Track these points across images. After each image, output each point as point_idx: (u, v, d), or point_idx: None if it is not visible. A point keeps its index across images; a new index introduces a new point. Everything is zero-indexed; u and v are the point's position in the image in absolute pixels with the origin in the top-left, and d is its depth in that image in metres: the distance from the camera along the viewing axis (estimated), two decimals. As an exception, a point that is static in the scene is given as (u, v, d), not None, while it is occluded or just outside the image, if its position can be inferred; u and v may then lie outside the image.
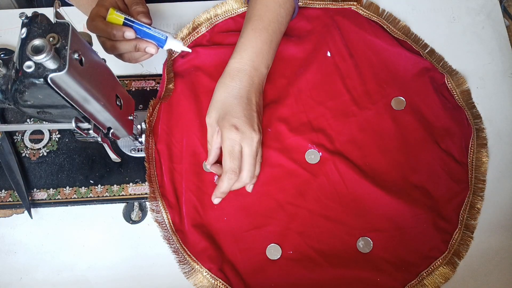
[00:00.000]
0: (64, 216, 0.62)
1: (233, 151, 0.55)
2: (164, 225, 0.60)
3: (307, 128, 0.64)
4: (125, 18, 0.54)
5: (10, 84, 0.40)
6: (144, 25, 0.56)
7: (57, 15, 0.39)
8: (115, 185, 0.63)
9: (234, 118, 0.55)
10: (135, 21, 0.55)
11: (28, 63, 0.36)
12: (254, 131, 0.55)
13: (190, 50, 0.63)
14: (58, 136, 0.65)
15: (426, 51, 0.69)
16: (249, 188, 0.60)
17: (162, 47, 0.58)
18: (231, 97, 0.57)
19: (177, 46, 0.59)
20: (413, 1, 0.74)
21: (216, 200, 0.59)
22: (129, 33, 0.54)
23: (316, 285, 0.58)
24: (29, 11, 0.43)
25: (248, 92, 0.57)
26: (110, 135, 0.52)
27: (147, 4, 0.59)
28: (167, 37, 0.58)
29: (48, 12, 0.40)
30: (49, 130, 0.65)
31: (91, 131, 0.48)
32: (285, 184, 0.62)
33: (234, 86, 0.57)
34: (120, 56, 0.58)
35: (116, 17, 0.54)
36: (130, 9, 0.57)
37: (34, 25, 0.38)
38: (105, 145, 0.53)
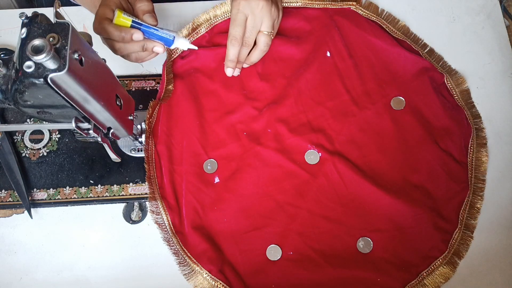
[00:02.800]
0: (64, 216, 0.62)
1: (235, 18, 0.58)
2: (164, 227, 0.60)
3: (307, 128, 0.64)
4: (133, 21, 0.55)
5: (10, 84, 0.40)
6: (152, 26, 0.56)
7: (57, 15, 0.39)
8: (115, 185, 0.63)
9: None
10: (142, 23, 0.56)
11: (28, 63, 0.36)
12: None
13: (196, 48, 0.62)
14: (58, 136, 0.65)
15: (426, 50, 0.69)
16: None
17: (169, 46, 0.58)
18: None
19: (184, 44, 0.60)
20: (413, 1, 0.74)
21: (228, 71, 0.60)
22: (138, 35, 0.55)
23: (316, 286, 0.58)
24: (29, 11, 0.43)
25: None
26: (110, 135, 0.52)
27: None
28: (174, 36, 0.58)
29: (48, 12, 0.40)
30: (49, 130, 0.65)
31: (91, 131, 0.48)
32: (284, 184, 0.62)
33: None
34: (126, 56, 0.58)
35: (123, 20, 0.54)
36: (134, 7, 0.57)
37: (34, 25, 0.38)
38: (105, 145, 0.53)
